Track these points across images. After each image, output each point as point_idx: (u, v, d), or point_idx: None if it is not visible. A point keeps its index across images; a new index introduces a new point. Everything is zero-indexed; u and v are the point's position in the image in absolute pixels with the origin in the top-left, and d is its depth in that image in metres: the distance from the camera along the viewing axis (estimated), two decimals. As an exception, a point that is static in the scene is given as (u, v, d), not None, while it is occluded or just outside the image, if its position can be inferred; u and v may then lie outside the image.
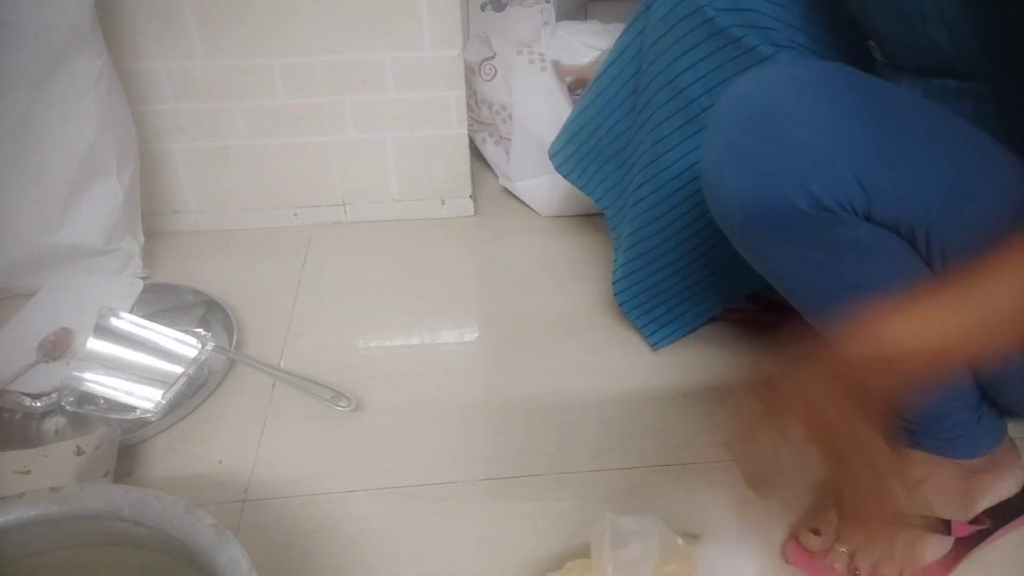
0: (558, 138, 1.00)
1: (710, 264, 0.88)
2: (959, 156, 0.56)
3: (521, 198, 1.23)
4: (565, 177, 1.00)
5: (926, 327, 0.49)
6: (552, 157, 1.01)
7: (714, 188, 0.61)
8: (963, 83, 0.62)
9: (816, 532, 0.69)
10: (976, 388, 0.67)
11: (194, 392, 0.88)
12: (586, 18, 1.67)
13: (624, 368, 0.93)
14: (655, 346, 0.95)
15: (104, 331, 0.90)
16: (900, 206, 0.55)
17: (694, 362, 0.94)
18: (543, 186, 1.19)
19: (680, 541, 0.59)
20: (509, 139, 1.19)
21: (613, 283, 0.96)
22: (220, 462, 0.82)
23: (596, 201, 0.99)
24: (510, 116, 1.17)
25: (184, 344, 0.92)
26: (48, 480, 0.70)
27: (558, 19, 1.56)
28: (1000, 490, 0.70)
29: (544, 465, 0.80)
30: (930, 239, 0.56)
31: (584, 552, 0.65)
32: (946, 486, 0.69)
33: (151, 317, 0.94)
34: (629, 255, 0.92)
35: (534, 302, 1.05)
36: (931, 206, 0.55)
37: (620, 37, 0.87)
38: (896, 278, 0.59)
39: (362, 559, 0.71)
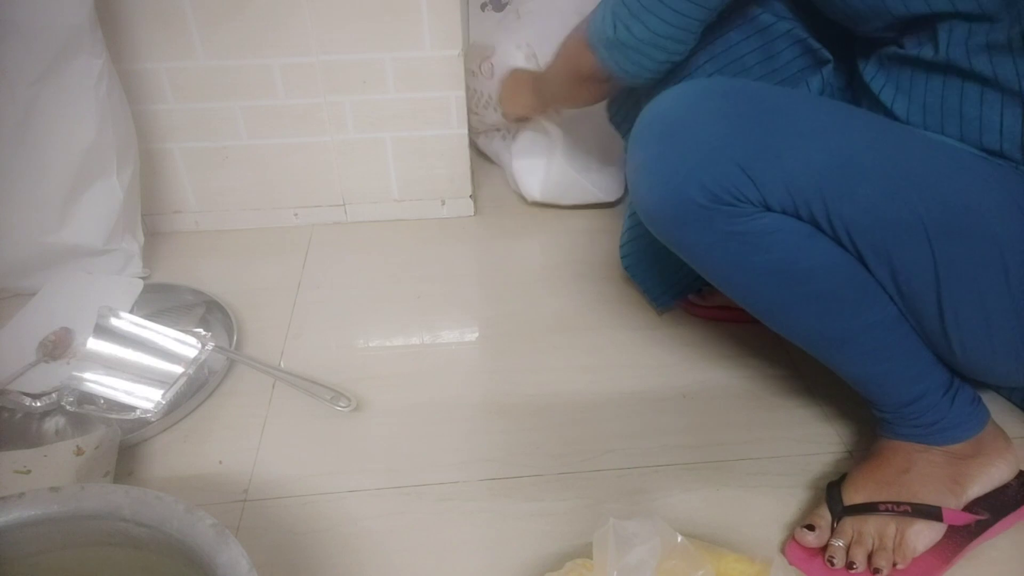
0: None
1: None
2: (848, 140, 0.61)
3: (519, 181, 1.23)
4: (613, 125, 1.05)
5: None
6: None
7: (635, 197, 0.68)
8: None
9: (811, 528, 0.69)
10: (943, 369, 0.70)
11: (194, 392, 0.88)
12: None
13: (624, 368, 0.93)
14: (659, 308, 1.01)
15: (104, 331, 0.90)
16: (790, 190, 0.60)
17: (694, 362, 0.94)
18: (540, 169, 1.20)
19: (680, 539, 0.59)
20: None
21: (620, 247, 1.02)
22: (220, 462, 0.82)
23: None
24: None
25: (184, 344, 0.92)
26: (48, 480, 0.70)
27: (558, 19, 1.56)
28: (991, 476, 0.71)
29: (544, 465, 0.80)
30: (831, 220, 0.61)
31: (585, 552, 0.65)
32: (932, 473, 0.70)
33: (151, 317, 0.94)
34: (634, 219, 0.98)
35: (534, 302, 1.05)
36: (822, 187, 0.60)
37: None
38: (812, 262, 0.63)
39: (362, 559, 0.71)
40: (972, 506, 0.70)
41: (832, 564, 0.67)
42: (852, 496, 0.71)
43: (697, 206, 0.63)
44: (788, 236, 0.63)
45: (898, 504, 0.68)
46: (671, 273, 0.98)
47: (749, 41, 0.81)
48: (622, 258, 1.02)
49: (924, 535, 0.68)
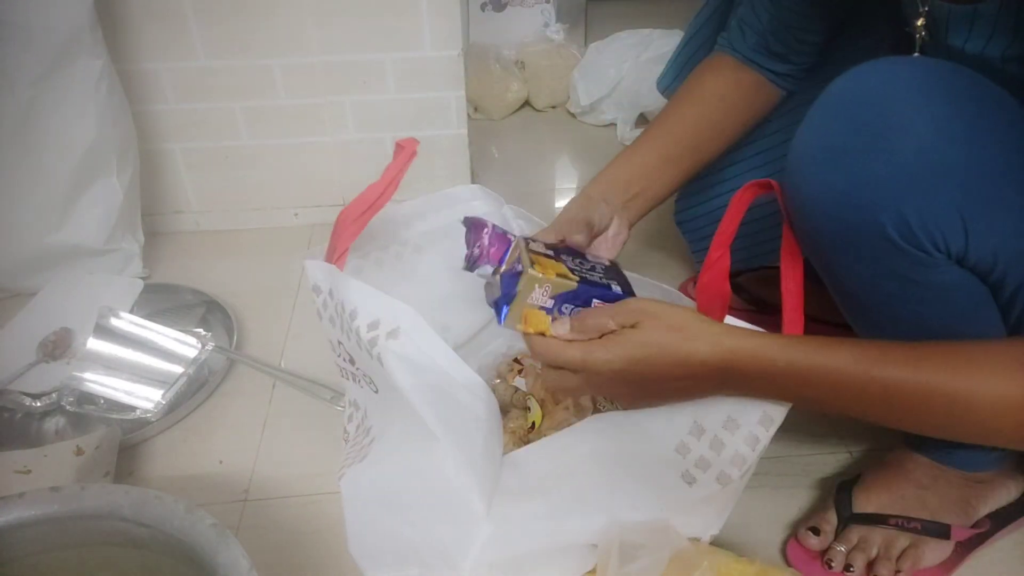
0: (666, 72, 0.95)
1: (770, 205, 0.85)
2: None
3: None
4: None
5: None
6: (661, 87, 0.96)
7: (796, 182, 0.55)
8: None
9: (815, 531, 0.69)
10: None
11: (194, 392, 0.88)
12: (587, 19, 1.68)
13: (624, 368, 0.93)
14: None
15: (104, 331, 0.90)
16: (998, 255, 0.50)
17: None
18: None
19: (687, 542, 0.58)
20: None
21: (675, 201, 0.95)
22: (220, 462, 0.82)
23: None
24: None
25: (184, 344, 0.92)
26: (48, 480, 0.70)
27: (558, 19, 1.57)
28: (1000, 497, 0.70)
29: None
30: (1017, 293, 0.52)
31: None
32: (949, 493, 0.69)
33: (151, 317, 0.94)
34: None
35: (534, 302, 1.04)
36: None
37: None
38: (967, 324, 0.55)
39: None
40: (978, 522, 0.70)
41: (830, 566, 0.67)
42: (863, 504, 0.70)
43: (880, 237, 0.50)
44: (965, 297, 0.53)
45: (909, 520, 0.67)
46: (748, 240, 0.83)
47: None
48: (675, 214, 0.96)
49: (933, 553, 0.67)
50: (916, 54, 0.61)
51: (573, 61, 1.52)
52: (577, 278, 0.58)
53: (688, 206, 0.96)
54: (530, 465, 0.62)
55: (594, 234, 0.68)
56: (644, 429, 0.57)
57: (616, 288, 0.60)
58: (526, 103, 1.58)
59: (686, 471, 0.57)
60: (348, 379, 0.70)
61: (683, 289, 1.00)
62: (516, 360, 0.83)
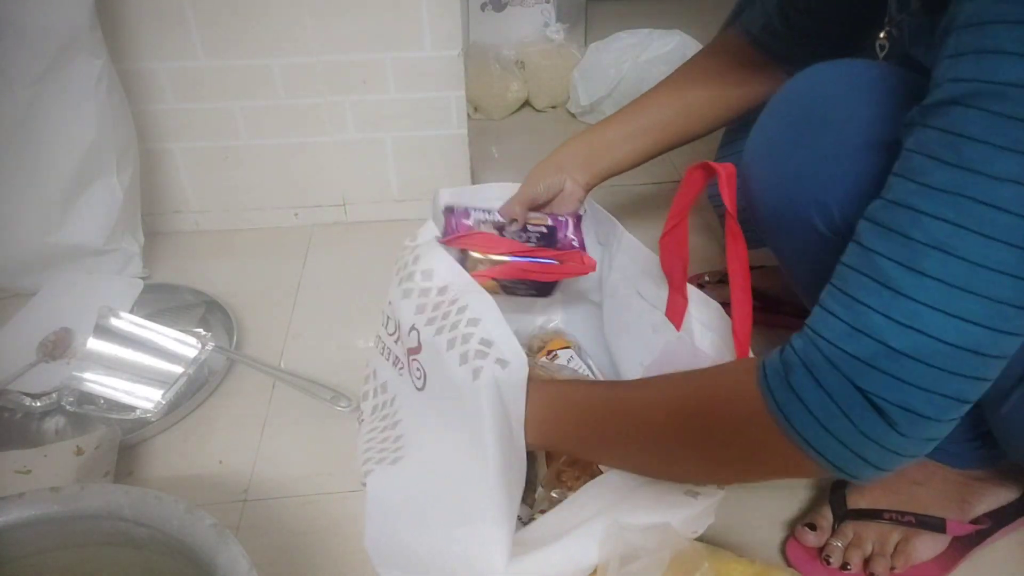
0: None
1: None
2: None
3: None
4: None
5: None
6: None
7: (745, 175, 0.58)
8: None
9: (812, 527, 0.69)
10: (978, 423, 0.66)
11: (194, 392, 0.88)
12: (587, 19, 1.68)
13: (624, 368, 0.93)
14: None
15: (104, 331, 0.90)
16: None
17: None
18: None
19: (687, 542, 0.59)
20: None
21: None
22: (220, 462, 0.82)
23: None
24: None
25: (184, 344, 0.92)
26: (48, 480, 0.70)
27: (558, 19, 1.57)
28: (999, 496, 0.71)
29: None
30: None
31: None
32: (944, 490, 0.69)
33: (151, 317, 0.94)
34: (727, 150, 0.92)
35: (534, 302, 1.05)
36: None
37: None
38: None
39: (362, 559, 0.71)
40: (976, 519, 0.70)
41: (828, 562, 0.67)
42: (857, 500, 0.70)
43: (812, 228, 0.54)
44: None
45: (903, 514, 0.68)
46: None
47: None
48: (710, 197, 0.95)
49: (927, 547, 0.68)
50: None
51: (573, 61, 1.52)
52: (510, 260, 0.74)
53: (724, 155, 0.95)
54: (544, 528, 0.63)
55: (541, 203, 0.80)
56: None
57: (542, 258, 0.75)
58: (526, 103, 1.58)
59: (689, 487, 0.59)
60: (386, 358, 0.71)
61: (695, 281, 0.99)
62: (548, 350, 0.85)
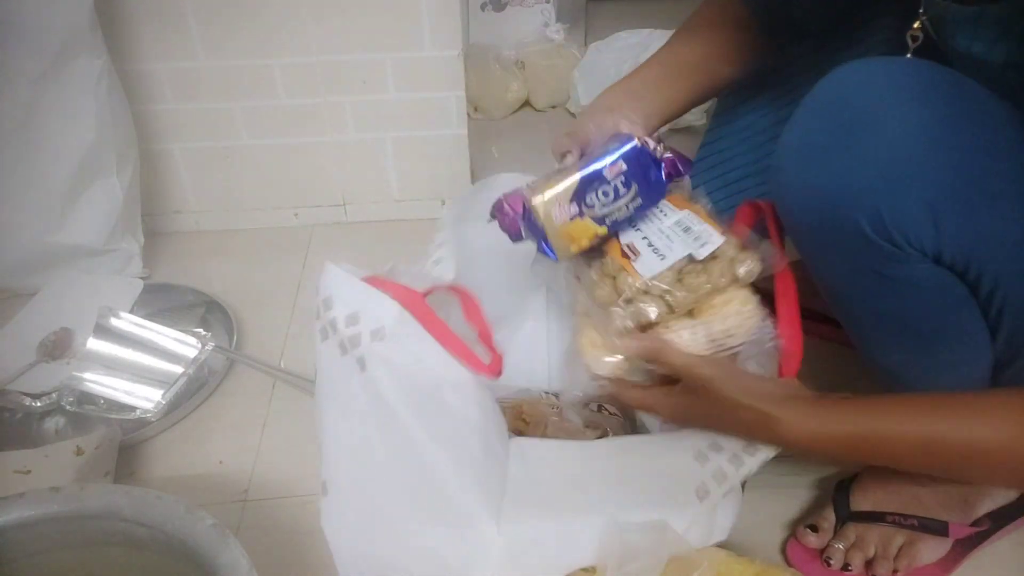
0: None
1: None
2: None
3: None
4: None
5: None
6: None
7: (779, 180, 0.57)
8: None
9: (813, 529, 0.69)
10: None
11: (194, 392, 0.88)
12: (587, 19, 1.67)
13: (624, 368, 0.93)
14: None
15: (104, 331, 0.90)
16: (971, 254, 0.51)
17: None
18: None
19: (686, 542, 0.58)
20: None
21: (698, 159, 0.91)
22: (220, 462, 0.81)
23: None
24: None
25: (184, 344, 0.92)
26: (48, 480, 0.70)
27: (558, 19, 1.57)
28: (999, 496, 0.70)
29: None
30: (994, 293, 0.53)
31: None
32: (947, 491, 0.69)
33: (151, 317, 0.94)
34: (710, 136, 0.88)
35: (534, 302, 1.04)
36: (1003, 260, 0.51)
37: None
38: (947, 322, 0.56)
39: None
40: (977, 520, 0.70)
41: (828, 564, 0.67)
42: (860, 502, 0.70)
43: (857, 232, 0.52)
44: (942, 295, 0.54)
45: (906, 517, 0.68)
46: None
47: None
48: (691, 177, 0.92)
49: (930, 550, 0.67)
50: (908, 56, 0.61)
51: (573, 61, 1.52)
52: (578, 173, 0.59)
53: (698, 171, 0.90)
54: (540, 460, 0.60)
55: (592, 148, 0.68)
56: (663, 444, 0.59)
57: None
58: (526, 103, 1.58)
59: (702, 483, 0.58)
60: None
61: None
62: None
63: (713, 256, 0.59)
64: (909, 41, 0.61)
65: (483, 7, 1.54)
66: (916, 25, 0.60)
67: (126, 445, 0.81)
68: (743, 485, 0.61)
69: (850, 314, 0.62)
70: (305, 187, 1.19)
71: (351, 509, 0.58)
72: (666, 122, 0.75)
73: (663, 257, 0.60)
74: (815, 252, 0.59)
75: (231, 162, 1.15)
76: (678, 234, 0.61)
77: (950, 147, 0.49)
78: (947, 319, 0.56)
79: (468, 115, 1.16)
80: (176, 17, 1.01)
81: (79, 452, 0.74)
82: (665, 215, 0.63)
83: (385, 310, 0.57)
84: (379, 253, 1.16)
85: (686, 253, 0.59)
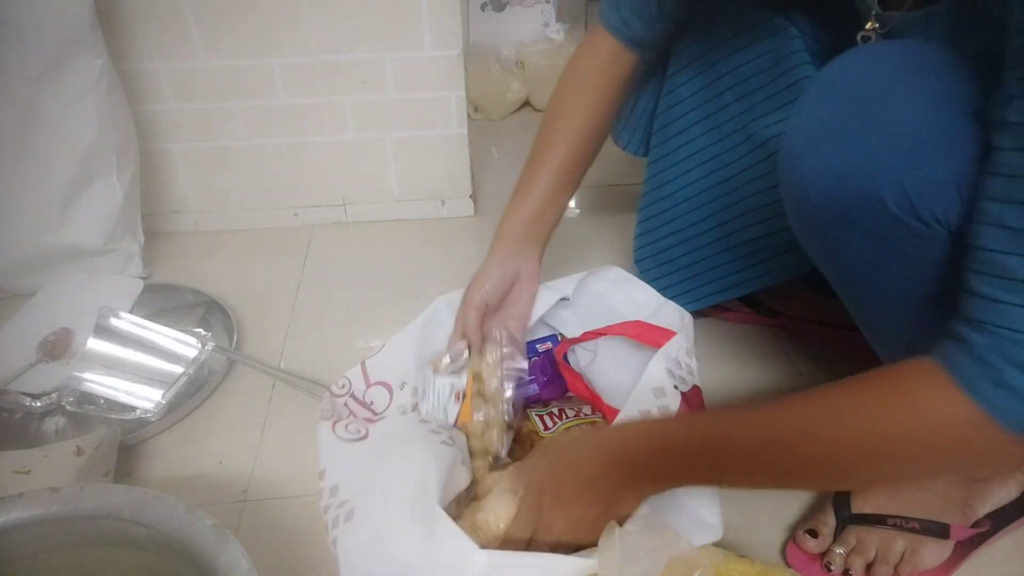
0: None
1: (723, 241, 0.87)
2: None
3: None
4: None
5: None
6: None
7: (793, 165, 0.55)
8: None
9: (813, 534, 0.69)
10: None
11: (194, 392, 0.88)
12: (587, 19, 1.67)
13: (624, 368, 0.93)
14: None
15: (104, 331, 0.90)
16: None
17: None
18: None
19: (686, 542, 0.58)
20: None
21: (634, 250, 0.98)
22: (220, 462, 0.81)
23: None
24: None
25: (184, 344, 0.92)
26: (48, 480, 0.70)
27: (558, 19, 1.57)
28: (999, 496, 0.70)
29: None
30: None
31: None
32: (948, 493, 0.69)
33: (151, 317, 0.94)
34: (648, 214, 0.94)
35: (534, 302, 1.04)
36: None
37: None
38: None
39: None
40: (978, 521, 0.70)
41: (829, 569, 0.67)
42: (861, 504, 0.69)
43: (882, 211, 0.51)
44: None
45: (907, 520, 0.67)
46: (701, 279, 0.90)
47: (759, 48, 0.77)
48: (636, 262, 0.96)
49: (932, 554, 0.67)
50: None
51: (573, 61, 1.52)
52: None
53: (643, 244, 0.96)
54: None
55: (495, 303, 0.78)
56: None
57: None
58: (526, 103, 1.58)
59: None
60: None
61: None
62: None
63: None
64: (860, 42, 0.62)
65: (483, 7, 1.54)
66: (868, 26, 0.61)
67: (126, 445, 0.81)
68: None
69: (869, 305, 0.61)
70: (305, 187, 1.19)
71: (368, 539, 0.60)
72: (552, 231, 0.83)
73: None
74: (832, 238, 0.57)
75: (231, 162, 1.15)
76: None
77: (973, 118, 0.48)
78: None
79: (468, 115, 1.16)
80: (176, 17, 1.01)
81: (79, 452, 0.74)
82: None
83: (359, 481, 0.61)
84: (379, 253, 1.16)
85: None
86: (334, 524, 0.60)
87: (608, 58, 0.83)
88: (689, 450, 0.56)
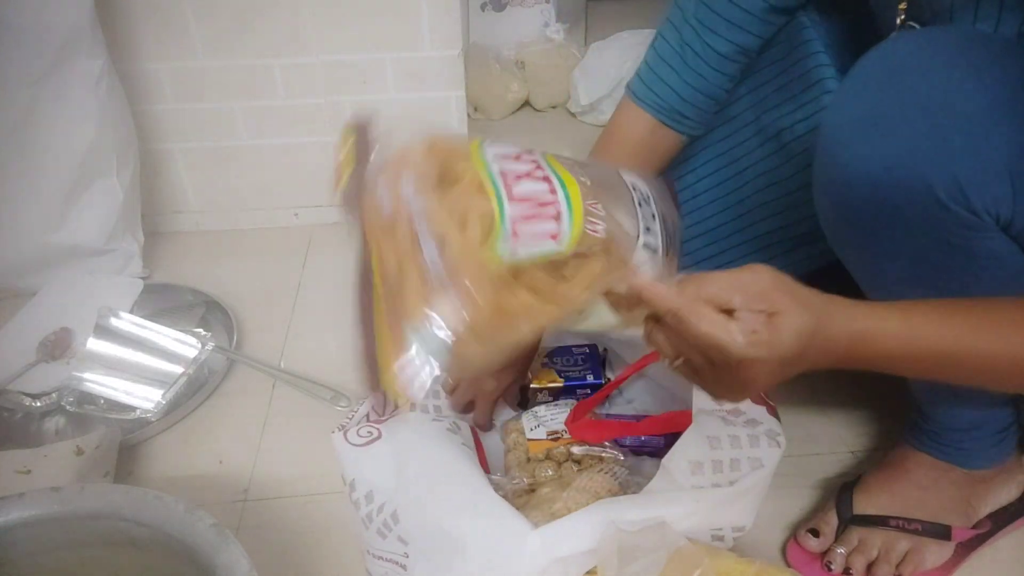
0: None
1: (738, 235, 0.86)
2: None
3: None
4: None
5: None
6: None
7: (834, 155, 0.53)
8: None
9: (815, 533, 0.69)
10: (1010, 410, 0.66)
11: (194, 392, 0.88)
12: (587, 19, 1.67)
13: (624, 368, 0.93)
14: None
15: (104, 331, 0.90)
16: None
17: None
18: None
19: (685, 541, 0.58)
20: None
21: None
22: (220, 462, 0.81)
23: None
24: None
25: (184, 344, 0.92)
26: (48, 480, 0.70)
27: (558, 19, 1.56)
28: (1000, 497, 0.70)
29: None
30: None
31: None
32: (951, 494, 0.69)
33: (151, 317, 0.94)
34: None
35: (534, 302, 1.04)
36: None
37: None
38: (1006, 295, 0.52)
39: (362, 559, 0.71)
40: (979, 522, 0.70)
41: (829, 569, 0.67)
42: (864, 505, 0.69)
43: (932, 201, 0.48)
44: (1010, 269, 0.51)
45: (909, 521, 0.67)
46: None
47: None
48: None
49: (934, 555, 0.67)
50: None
51: (573, 61, 1.52)
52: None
53: None
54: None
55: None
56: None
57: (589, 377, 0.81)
58: (526, 103, 1.58)
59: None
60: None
61: None
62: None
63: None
64: (898, 25, 0.60)
65: (483, 7, 1.54)
66: (902, 6, 0.59)
67: (126, 445, 0.81)
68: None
69: (896, 296, 0.59)
70: (305, 187, 1.19)
71: None
72: None
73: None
74: (873, 231, 0.54)
75: (231, 162, 1.15)
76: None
77: (1020, 108, 0.47)
78: (1009, 292, 0.53)
79: (468, 115, 1.16)
80: (176, 17, 1.01)
81: (79, 452, 0.74)
82: None
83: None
84: (379, 253, 1.16)
85: None
86: (381, 534, 0.62)
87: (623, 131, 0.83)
88: (933, 361, 0.49)
